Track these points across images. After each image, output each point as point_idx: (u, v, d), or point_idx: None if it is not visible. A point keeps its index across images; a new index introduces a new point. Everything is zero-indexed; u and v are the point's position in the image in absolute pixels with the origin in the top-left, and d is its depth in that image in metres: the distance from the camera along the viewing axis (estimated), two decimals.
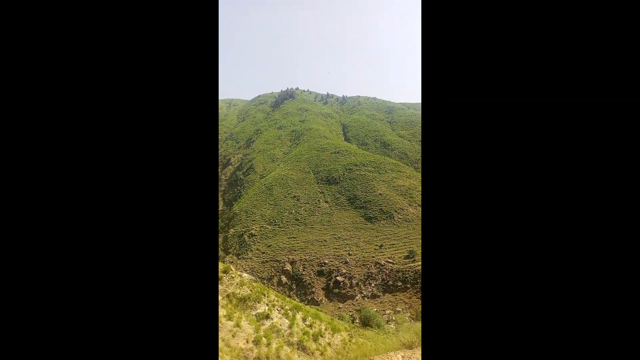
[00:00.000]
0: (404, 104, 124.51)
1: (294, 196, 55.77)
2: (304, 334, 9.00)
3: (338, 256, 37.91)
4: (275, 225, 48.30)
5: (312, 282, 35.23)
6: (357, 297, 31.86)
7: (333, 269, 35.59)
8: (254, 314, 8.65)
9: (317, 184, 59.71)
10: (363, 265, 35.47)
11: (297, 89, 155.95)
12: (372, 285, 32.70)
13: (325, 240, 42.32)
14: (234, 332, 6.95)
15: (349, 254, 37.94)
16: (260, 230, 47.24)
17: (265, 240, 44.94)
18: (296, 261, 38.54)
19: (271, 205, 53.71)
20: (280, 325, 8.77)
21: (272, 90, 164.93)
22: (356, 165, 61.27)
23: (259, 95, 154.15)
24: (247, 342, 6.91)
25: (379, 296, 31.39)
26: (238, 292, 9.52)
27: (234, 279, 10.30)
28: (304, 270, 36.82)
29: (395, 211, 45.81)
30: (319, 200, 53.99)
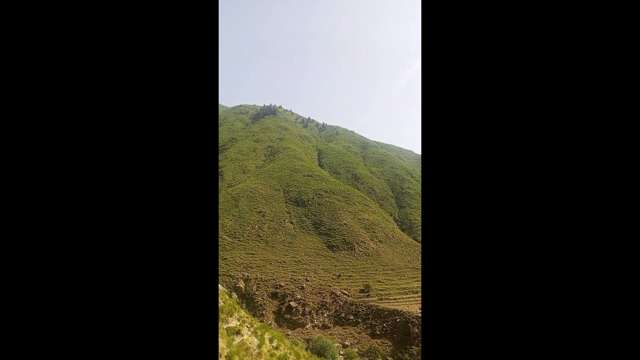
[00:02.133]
0: (378, 142, 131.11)
1: (260, 211, 54.46)
2: (271, 355, 8.70)
3: (295, 280, 37.05)
4: (234, 237, 46.39)
5: (264, 303, 33.75)
6: (308, 326, 30.95)
7: (288, 293, 34.56)
8: (225, 327, 8.23)
9: (285, 203, 59.10)
10: (319, 293, 34.93)
11: (280, 107, 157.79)
12: (325, 315, 32.11)
13: (284, 262, 41.31)
14: None
15: (307, 280, 37.27)
16: (218, 241, 45.03)
17: (221, 252, 42.73)
18: (251, 279, 36.91)
19: (234, 216, 51.83)
20: (250, 343, 8.43)
21: (255, 103, 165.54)
22: (326, 192, 62.06)
23: (241, 105, 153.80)
24: (220, 355, 6.59)
25: (329, 327, 30.77)
26: None
27: None
28: (257, 290, 35.27)
29: (357, 243, 46.48)
30: (284, 220, 53.19)
